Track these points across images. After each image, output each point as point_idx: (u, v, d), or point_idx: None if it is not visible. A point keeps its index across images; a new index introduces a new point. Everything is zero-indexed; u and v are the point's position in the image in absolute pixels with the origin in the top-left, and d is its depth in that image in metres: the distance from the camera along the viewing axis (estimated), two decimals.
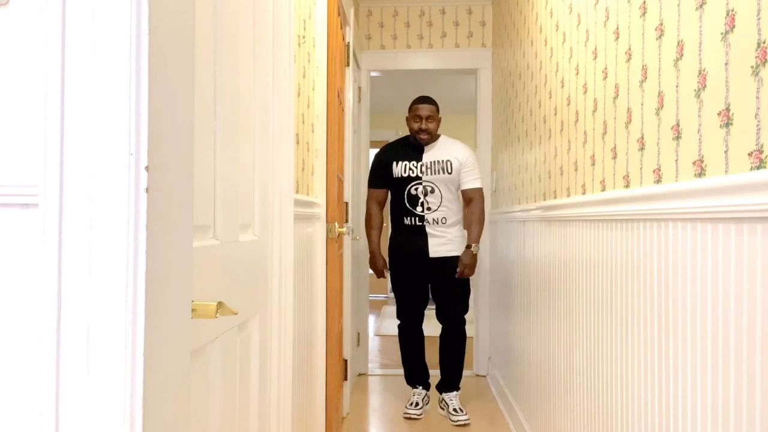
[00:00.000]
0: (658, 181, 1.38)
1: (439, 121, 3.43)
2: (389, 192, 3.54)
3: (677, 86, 1.29)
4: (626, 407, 1.56)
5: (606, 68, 1.78)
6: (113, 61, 0.67)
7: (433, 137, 3.45)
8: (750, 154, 1.01)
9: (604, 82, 1.79)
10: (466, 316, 3.47)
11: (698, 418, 1.16)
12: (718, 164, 1.12)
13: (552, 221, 2.38)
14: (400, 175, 3.43)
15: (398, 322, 3.59)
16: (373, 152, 3.67)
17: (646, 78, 1.47)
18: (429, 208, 3.39)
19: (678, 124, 1.29)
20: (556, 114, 2.44)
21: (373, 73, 4.54)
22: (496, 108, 4.25)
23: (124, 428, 0.66)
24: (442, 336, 3.49)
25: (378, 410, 3.60)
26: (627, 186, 1.58)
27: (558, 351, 2.29)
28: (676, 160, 1.29)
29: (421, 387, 3.55)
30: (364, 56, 4.40)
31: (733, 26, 1.07)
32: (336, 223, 2.64)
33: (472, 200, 3.42)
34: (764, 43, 0.98)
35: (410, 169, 3.42)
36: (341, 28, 3.13)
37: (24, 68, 0.87)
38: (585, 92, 2.01)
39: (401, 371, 3.94)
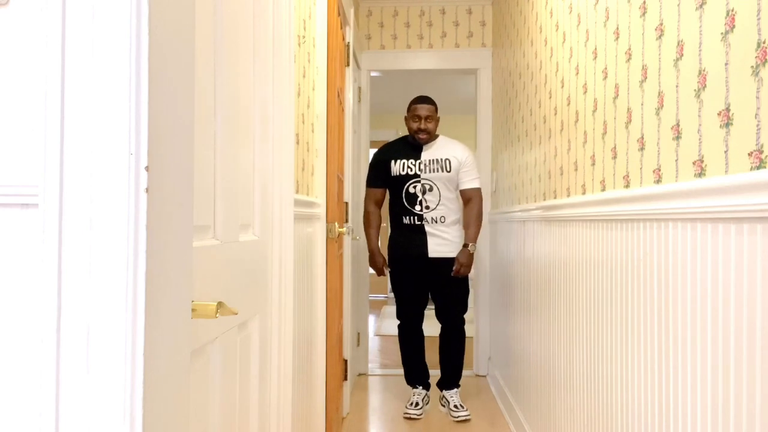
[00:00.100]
0: (658, 181, 1.38)
1: (437, 120, 3.44)
2: (388, 191, 3.55)
3: (677, 86, 1.29)
4: (626, 407, 1.56)
5: (606, 68, 1.78)
6: (113, 61, 0.67)
7: (432, 137, 3.45)
8: (750, 154, 1.01)
9: (604, 82, 1.79)
10: (465, 316, 3.48)
11: (698, 418, 1.16)
12: (718, 164, 1.12)
13: (552, 221, 2.38)
14: (398, 173, 3.43)
15: (398, 322, 3.59)
16: (373, 152, 3.67)
17: (646, 78, 1.47)
18: (428, 207, 3.40)
19: (678, 124, 1.29)
20: (556, 114, 2.44)
21: (373, 73, 4.54)
22: (496, 108, 4.25)
23: (124, 428, 0.66)
24: (441, 335, 3.50)
25: (378, 410, 3.60)
26: (627, 186, 1.58)
27: (558, 351, 2.29)
28: (676, 160, 1.29)
29: (421, 387, 3.55)
30: (364, 56, 4.40)
31: (733, 26, 1.07)
32: (336, 223, 2.64)
33: (470, 200, 3.43)
34: (764, 43, 0.98)
35: (408, 167, 3.43)
36: (341, 28, 3.13)
37: (24, 68, 0.87)
38: (585, 92, 2.01)
39: (401, 371, 3.94)
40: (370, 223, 3.56)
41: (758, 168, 0.99)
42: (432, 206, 3.40)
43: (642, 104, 1.49)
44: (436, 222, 3.39)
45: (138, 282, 0.66)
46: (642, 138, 1.48)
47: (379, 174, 3.52)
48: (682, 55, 1.27)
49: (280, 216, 1.67)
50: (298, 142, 2.03)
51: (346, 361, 3.46)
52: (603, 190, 1.79)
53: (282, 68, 1.66)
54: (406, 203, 3.43)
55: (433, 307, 3.51)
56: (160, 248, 0.70)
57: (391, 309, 7.11)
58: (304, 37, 2.17)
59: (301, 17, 2.12)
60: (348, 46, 3.48)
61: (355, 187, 3.97)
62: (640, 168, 1.49)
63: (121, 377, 0.66)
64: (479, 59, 4.42)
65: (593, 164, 1.90)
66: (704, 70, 1.18)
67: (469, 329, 3.79)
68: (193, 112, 0.78)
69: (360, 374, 4.34)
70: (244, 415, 1.39)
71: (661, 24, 1.38)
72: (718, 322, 1.08)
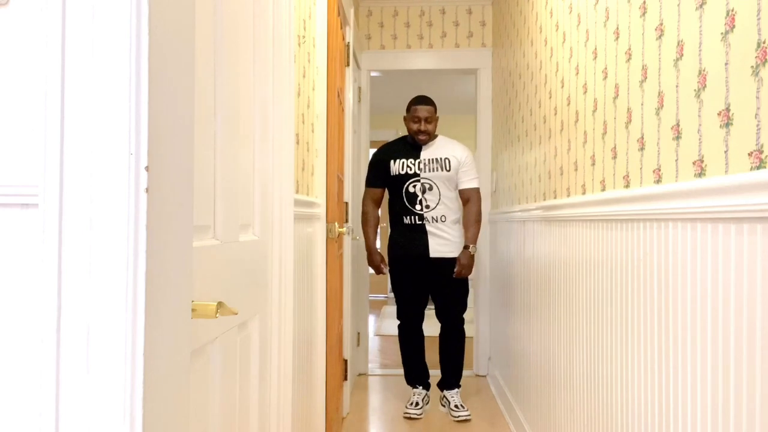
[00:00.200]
0: (658, 181, 1.38)
1: (437, 121, 3.44)
2: (387, 191, 3.55)
3: (677, 86, 1.29)
4: (626, 407, 1.56)
5: (606, 68, 1.78)
6: (113, 61, 0.67)
7: (432, 137, 3.46)
8: (750, 154, 1.01)
9: (604, 82, 1.79)
10: (465, 316, 3.49)
11: (698, 418, 1.16)
12: (718, 164, 1.12)
13: (552, 221, 2.38)
14: (398, 173, 3.43)
15: (398, 322, 3.59)
16: (373, 152, 3.67)
17: (646, 78, 1.47)
18: (428, 206, 3.40)
19: (678, 124, 1.29)
20: (556, 114, 2.44)
21: (373, 73, 4.54)
22: (496, 108, 4.25)
23: (124, 428, 0.66)
24: (441, 335, 3.51)
25: (378, 410, 3.60)
26: (627, 186, 1.58)
27: (558, 351, 2.29)
28: (676, 160, 1.29)
29: (421, 387, 3.56)
30: (364, 56, 4.40)
31: (733, 26, 1.07)
32: (336, 223, 2.64)
33: (469, 200, 3.43)
34: (764, 43, 0.98)
35: (408, 166, 3.43)
36: (341, 28, 3.13)
37: (24, 68, 0.87)
38: (585, 92, 2.01)
39: (401, 371, 3.94)
40: (368, 222, 3.57)
41: (758, 168, 0.99)
42: (432, 205, 3.40)
43: (642, 104, 1.49)
44: (436, 221, 3.39)
45: (138, 282, 0.66)
46: (642, 138, 1.48)
47: (378, 173, 3.52)
48: (682, 55, 1.27)
49: (280, 216, 1.67)
50: (298, 142, 2.03)
51: (346, 361, 3.46)
52: (603, 190, 1.79)
53: (282, 68, 1.66)
54: (406, 203, 3.43)
55: (433, 307, 3.51)
56: (160, 248, 0.70)
57: (391, 309, 7.11)
58: (304, 37, 2.17)
59: (301, 17, 2.12)
60: (348, 46, 3.48)
61: (355, 187, 3.97)
62: (640, 168, 1.49)
63: (121, 377, 0.66)
64: (479, 59, 4.42)
65: (593, 164, 1.90)
66: (704, 70, 1.18)
67: (469, 329, 3.79)
68: (193, 112, 0.78)
69: (360, 374, 4.34)
70: (244, 415, 1.39)
71: (661, 24, 1.38)
72: (718, 322, 1.08)
